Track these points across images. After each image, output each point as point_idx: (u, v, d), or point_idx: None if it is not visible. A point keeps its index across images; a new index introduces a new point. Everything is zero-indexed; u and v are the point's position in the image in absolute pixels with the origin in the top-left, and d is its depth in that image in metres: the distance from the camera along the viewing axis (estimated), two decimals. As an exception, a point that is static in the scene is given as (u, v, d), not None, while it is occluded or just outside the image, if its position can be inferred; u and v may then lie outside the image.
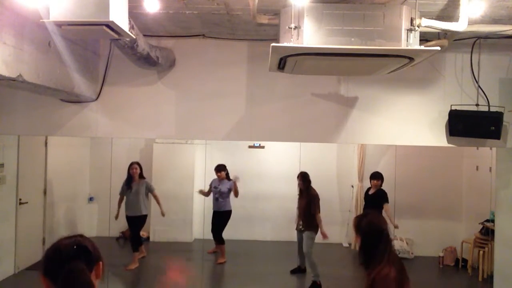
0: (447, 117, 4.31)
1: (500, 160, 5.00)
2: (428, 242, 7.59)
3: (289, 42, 2.86)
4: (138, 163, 6.81)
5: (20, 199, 6.30)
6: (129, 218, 6.76)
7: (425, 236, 7.62)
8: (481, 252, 6.40)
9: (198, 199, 7.89)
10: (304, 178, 6.25)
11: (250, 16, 3.30)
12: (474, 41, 4.21)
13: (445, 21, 3.15)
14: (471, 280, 6.65)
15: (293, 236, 6.60)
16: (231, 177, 7.07)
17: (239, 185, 7.01)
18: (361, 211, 7.07)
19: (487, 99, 4.30)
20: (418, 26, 2.88)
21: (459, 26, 3.03)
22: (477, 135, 4.25)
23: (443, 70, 4.40)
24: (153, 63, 3.94)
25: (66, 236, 1.59)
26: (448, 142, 4.39)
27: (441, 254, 7.29)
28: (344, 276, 6.61)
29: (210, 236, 7.25)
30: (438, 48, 2.92)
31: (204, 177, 7.46)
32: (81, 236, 1.60)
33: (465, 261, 7.06)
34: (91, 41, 4.21)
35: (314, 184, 6.30)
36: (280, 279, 6.41)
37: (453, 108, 4.28)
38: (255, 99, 4.42)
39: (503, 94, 4.34)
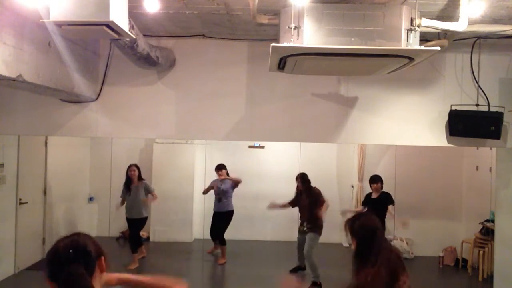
0: (447, 117, 4.31)
1: (500, 160, 4.99)
2: (428, 242, 7.58)
3: (289, 42, 2.86)
4: (136, 165, 6.80)
5: (20, 199, 6.30)
6: (129, 220, 6.77)
7: (425, 236, 7.62)
8: (481, 252, 6.40)
9: (198, 199, 7.89)
10: (303, 179, 6.25)
11: (250, 16, 3.30)
12: (474, 41, 4.21)
13: (445, 21, 3.15)
14: (471, 280, 6.65)
15: (293, 236, 6.60)
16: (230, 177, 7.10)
17: (239, 185, 7.02)
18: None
19: (487, 99, 4.30)
20: (418, 26, 2.88)
21: (459, 26, 3.03)
22: (477, 135, 4.25)
23: (443, 70, 4.40)
24: (153, 63, 3.94)
25: (64, 236, 1.58)
26: (448, 142, 4.39)
27: (441, 254, 7.29)
28: (344, 276, 6.60)
29: (210, 236, 7.25)
30: (438, 48, 2.92)
31: (204, 177, 7.47)
32: (78, 234, 1.59)
33: (465, 261, 7.06)
34: (91, 41, 4.21)
35: (314, 184, 6.31)
36: (280, 279, 6.40)
37: (453, 108, 4.27)
38: (255, 99, 4.42)
39: (503, 94, 4.34)
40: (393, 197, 6.33)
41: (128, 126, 4.47)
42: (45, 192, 6.99)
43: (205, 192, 7.18)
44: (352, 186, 8.13)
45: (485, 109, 4.28)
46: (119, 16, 2.46)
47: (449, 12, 3.35)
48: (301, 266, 6.46)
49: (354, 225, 2.63)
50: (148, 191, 6.79)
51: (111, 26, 2.44)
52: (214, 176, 7.13)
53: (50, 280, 1.48)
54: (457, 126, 4.21)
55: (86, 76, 4.11)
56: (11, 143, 6.10)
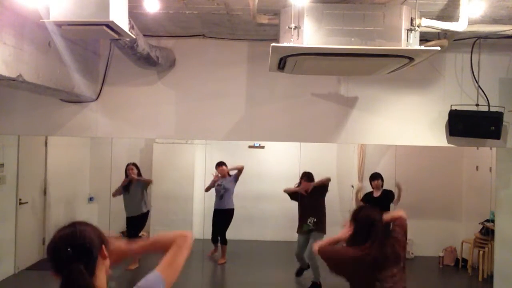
0: (447, 117, 4.31)
1: (500, 160, 5.00)
2: (428, 242, 7.58)
3: (289, 42, 2.86)
4: (134, 164, 6.79)
5: (20, 199, 6.30)
6: (129, 219, 6.75)
7: (425, 236, 7.60)
8: (481, 252, 6.40)
9: (198, 199, 7.88)
10: (309, 178, 6.21)
11: (250, 16, 3.30)
12: (474, 41, 4.21)
13: (445, 21, 3.15)
14: (471, 280, 6.65)
15: (293, 236, 6.59)
16: (231, 174, 7.11)
17: (239, 185, 7.02)
18: None
19: (487, 99, 4.30)
20: (418, 26, 2.88)
21: (459, 26, 3.03)
22: (477, 135, 4.25)
23: (443, 70, 4.40)
24: (153, 63, 3.94)
25: (60, 228, 1.57)
26: (448, 142, 4.38)
27: (441, 254, 7.30)
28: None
29: (210, 236, 7.24)
30: (438, 48, 2.92)
31: (204, 177, 7.46)
32: (75, 226, 1.57)
33: (465, 261, 7.06)
34: (91, 41, 4.21)
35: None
36: (280, 279, 6.41)
37: (453, 108, 4.27)
38: (255, 99, 4.42)
39: (503, 94, 4.34)
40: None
41: (128, 126, 4.47)
42: (45, 192, 6.99)
43: (208, 189, 7.18)
44: (352, 186, 8.12)
45: (485, 109, 4.28)
46: (119, 16, 2.46)
47: (449, 12, 3.35)
48: (304, 267, 6.44)
49: (360, 213, 2.85)
50: (145, 182, 6.74)
51: (111, 26, 2.44)
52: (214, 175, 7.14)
53: (55, 273, 1.49)
54: (457, 126, 4.21)
55: (86, 76, 4.11)
56: (11, 143, 6.10)
